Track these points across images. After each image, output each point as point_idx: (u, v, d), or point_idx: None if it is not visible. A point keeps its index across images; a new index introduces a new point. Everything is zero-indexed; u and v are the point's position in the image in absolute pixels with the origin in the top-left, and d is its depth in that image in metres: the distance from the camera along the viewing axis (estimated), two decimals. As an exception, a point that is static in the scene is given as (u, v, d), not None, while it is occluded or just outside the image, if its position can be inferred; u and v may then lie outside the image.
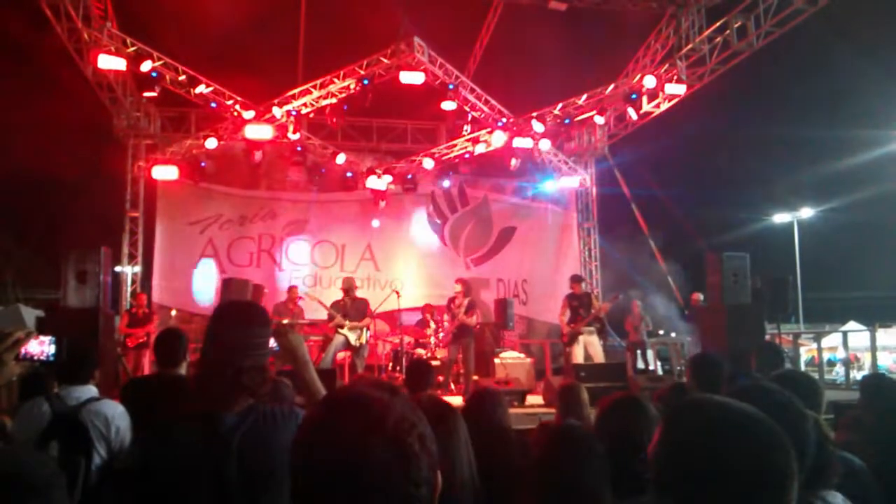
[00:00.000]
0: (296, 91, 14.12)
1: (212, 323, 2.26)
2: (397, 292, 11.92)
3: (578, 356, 10.95)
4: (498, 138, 14.93)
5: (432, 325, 12.26)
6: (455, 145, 16.29)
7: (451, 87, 14.04)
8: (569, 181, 17.50)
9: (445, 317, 11.60)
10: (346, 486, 1.09)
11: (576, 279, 11.69)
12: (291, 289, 12.81)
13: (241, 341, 2.19)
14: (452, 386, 11.41)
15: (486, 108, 15.04)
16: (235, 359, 2.15)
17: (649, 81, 13.92)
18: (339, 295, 11.14)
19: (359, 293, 11.39)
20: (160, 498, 2.04)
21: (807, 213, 29.58)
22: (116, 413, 3.69)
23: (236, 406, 2.12)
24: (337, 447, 1.11)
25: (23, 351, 2.06)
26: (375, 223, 16.28)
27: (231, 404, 2.12)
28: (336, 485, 1.09)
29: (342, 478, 1.09)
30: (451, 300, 11.23)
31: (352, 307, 10.67)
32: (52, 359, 2.18)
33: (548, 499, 2.49)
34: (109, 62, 12.26)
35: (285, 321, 11.52)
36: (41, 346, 2.15)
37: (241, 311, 2.35)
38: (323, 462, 1.11)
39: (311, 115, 15.09)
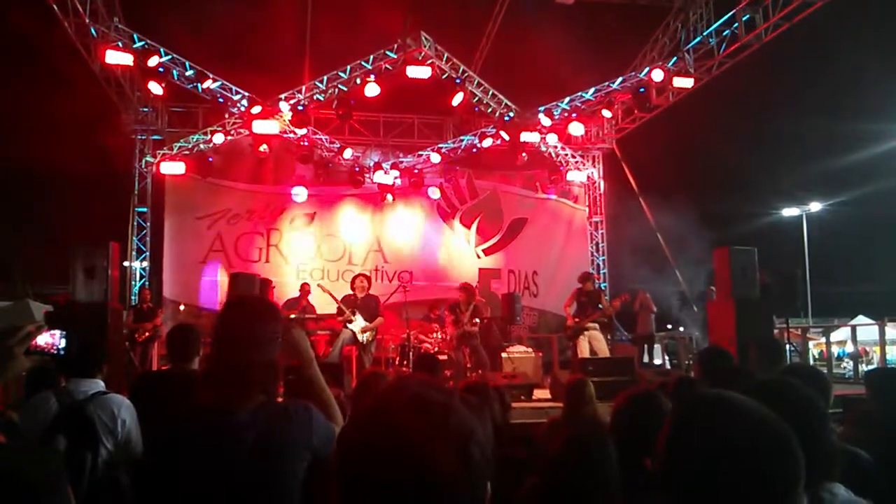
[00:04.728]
0: (303, 86, 14.13)
1: (222, 318, 2.25)
2: (404, 288, 11.92)
3: (584, 351, 10.95)
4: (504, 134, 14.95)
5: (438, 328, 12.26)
6: (462, 139, 16.30)
7: (457, 81, 14.02)
8: (577, 175, 17.48)
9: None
10: (405, 492, 1.03)
11: (585, 277, 11.64)
12: (304, 286, 12.80)
13: (253, 337, 2.18)
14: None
15: (492, 103, 15.02)
16: (247, 354, 2.14)
17: (657, 75, 13.88)
18: (347, 289, 11.13)
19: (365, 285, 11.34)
20: (173, 493, 2.05)
21: (815, 206, 29.48)
22: (122, 407, 3.71)
23: (248, 402, 2.11)
24: (396, 451, 1.04)
25: (33, 344, 2.06)
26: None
27: (243, 400, 2.11)
28: (393, 491, 1.03)
29: (401, 485, 1.03)
30: (456, 305, 11.18)
31: (362, 303, 10.66)
32: (62, 352, 2.18)
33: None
34: (117, 57, 12.29)
35: (292, 316, 11.54)
36: (52, 339, 2.15)
37: (251, 306, 2.33)
38: (380, 466, 1.05)
39: (318, 110, 15.11)
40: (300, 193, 15.78)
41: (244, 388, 2.12)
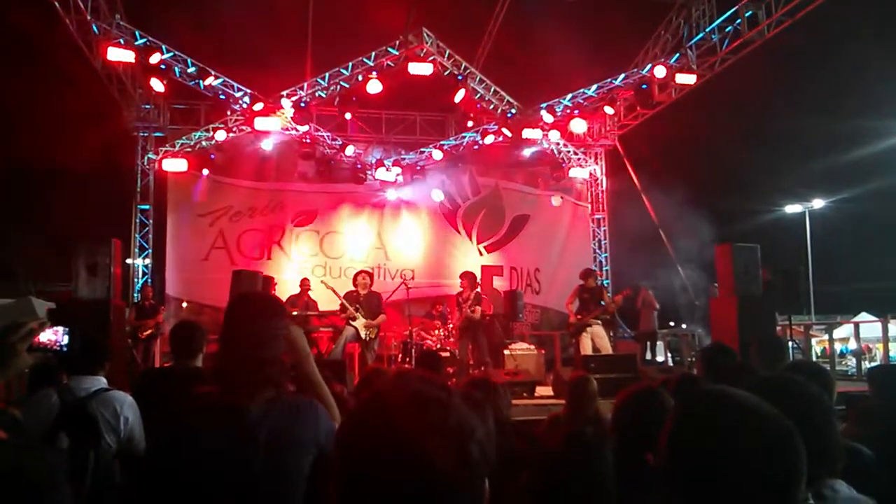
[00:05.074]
0: (304, 83, 14.13)
1: (232, 314, 2.29)
2: (406, 283, 11.90)
3: (587, 348, 10.95)
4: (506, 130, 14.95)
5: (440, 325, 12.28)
6: (464, 136, 16.29)
7: (459, 78, 14.00)
8: (579, 172, 17.46)
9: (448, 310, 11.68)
10: (403, 489, 1.02)
11: (587, 273, 11.61)
12: (304, 281, 12.82)
13: (263, 333, 2.22)
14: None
15: (494, 100, 15.00)
16: (258, 350, 2.18)
17: (659, 71, 13.86)
18: (349, 285, 11.09)
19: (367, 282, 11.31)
20: (186, 487, 2.06)
21: (818, 203, 29.40)
22: (125, 404, 3.70)
23: (259, 398, 2.15)
24: (395, 448, 1.03)
25: (36, 341, 2.06)
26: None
27: (254, 396, 2.14)
28: (391, 487, 1.02)
29: (399, 481, 1.02)
30: (459, 294, 11.27)
31: (365, 300, 10.63)
32: (64, 349, 2.18)
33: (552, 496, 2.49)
34: (118, 55, 12.29)
35: (294, 313, 11.53)
36: (55, 336, 2.15)
37: (261, 302, 2.38)
38: (378, 462, 1.03)
39: (320, 107, 15.11)
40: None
41: (255, 384, 2.15)
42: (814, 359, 15.70)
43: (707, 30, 13.95)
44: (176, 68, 13.33)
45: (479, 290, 11.30)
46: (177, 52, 13.22)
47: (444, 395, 1.10)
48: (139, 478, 3.48)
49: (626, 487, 2.47)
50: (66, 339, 2.14)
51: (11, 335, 1.98)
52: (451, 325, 11.89)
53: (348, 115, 14.70)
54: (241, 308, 2.33)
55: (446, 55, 13.96)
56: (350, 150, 15.71)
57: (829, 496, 1.90)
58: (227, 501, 2.04)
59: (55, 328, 2.09)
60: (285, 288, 13.86)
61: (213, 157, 15.14)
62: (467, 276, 11.41)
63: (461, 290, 11.27)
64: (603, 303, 11.22)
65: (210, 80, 13.52)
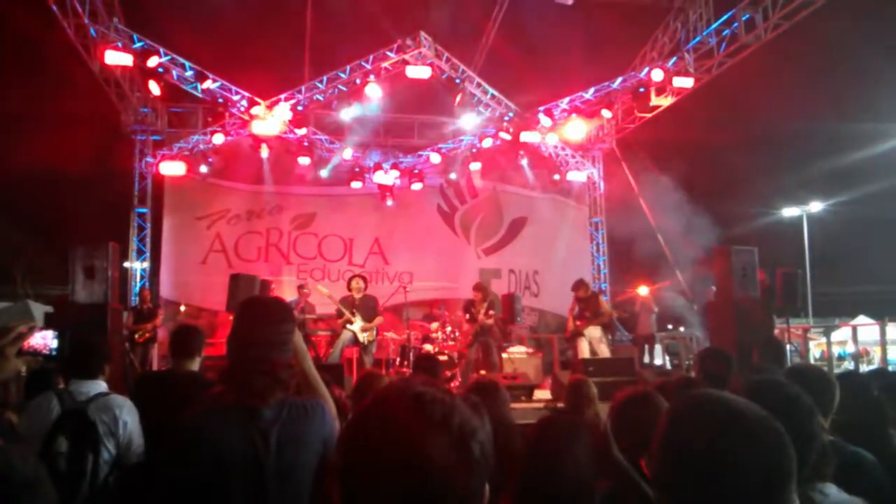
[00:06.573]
0: (302, 86, 14.13)
1: (243, 319, 2.33)
2: (405, 288, 11.90)
3: (584, 351, 10.93)
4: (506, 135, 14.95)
5: (438, 327, 12.26)
6: (462, 139, 16.28)
7: (457, 81, 14.01)
8: (577, 175, 17.46)
9: (458, 315, 11.68)
10: (406, 488, 1.04)
11: (577, 285, 11.49)
12: (300, 289, 12.74)
13: (274, 337, 2.28)
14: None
15: (492, 103, 15.00)
16: (270, 354, 2.24)
17: (657, 75, 13.87)
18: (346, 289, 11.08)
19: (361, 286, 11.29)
20: (199, 488, 2.08)
21: (816, 206, 29.39)
22: (124, 408, 3.69)
23: (271, 399, 2.21)
24: (398, 447, 1.05)
25: (26, 345, 2.05)
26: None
27: (267, 398, 2.20)
28: (394, 487, 1.04)
29: (402, 480, 1.03)
30: (471, 304, 11.22)
31: (361, 303, 10.62)
32: (54, 353, 2.18)
33: (531, 485, 2.48)
34: (116, 58, 12.28)
35: (293, 315, 11.48)
36: (44, 340, 2.14)
37: (272, 307, 2.42)
38: (381, 462, 1.05)
39: (318, 110, 15.11)
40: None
41: (268, 387, 2.21)
42: (812, 362, 15.69)
43: (704, 33, 13.95)
44: (174, 71, 13.32)
45: (491, 297, 11.36)
46: (174, 56, 13.22)
47: (446, 396, 1.12)
48: (151, 478, 3.47)
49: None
50: (55, 343, 2.13)
51: (0, 339, 1.97)
52: (449, 328, 11.89)
53: (347, 112, 14.60)
54: (252, 312, 2.37)
55: (444, 58, 13.97)
56: (348, 154, 15.70)
57: (819, 500, 1.89)
58: (240, 501, 2.08)
59: (45, 332, 2.09)
60: (284, 291, 13.84)
61: (210, 160, 15.12)
62: (480, 288, 11.46)
63: (474, 300, 11.27)
64: (601, 311, 11.22)
65: (208, 84, 13.50)
